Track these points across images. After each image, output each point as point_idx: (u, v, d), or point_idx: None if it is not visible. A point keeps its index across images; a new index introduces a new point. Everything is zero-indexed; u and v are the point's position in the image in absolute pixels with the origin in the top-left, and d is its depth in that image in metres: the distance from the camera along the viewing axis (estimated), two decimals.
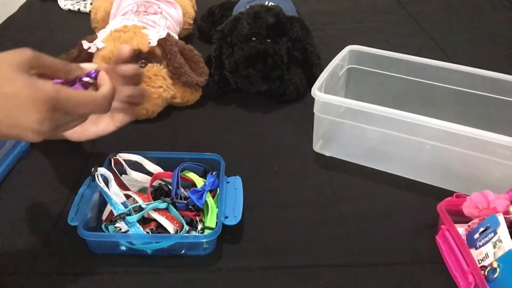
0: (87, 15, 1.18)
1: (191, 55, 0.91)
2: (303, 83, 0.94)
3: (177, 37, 0.96)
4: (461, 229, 0.61)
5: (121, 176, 0.67)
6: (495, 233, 0.56)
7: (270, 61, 0.86)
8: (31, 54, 0.48)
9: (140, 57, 0.85)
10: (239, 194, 0.66)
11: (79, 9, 1.31)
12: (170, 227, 0.62)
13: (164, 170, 0.69)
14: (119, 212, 0.60)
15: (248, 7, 0.93)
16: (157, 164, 0.70)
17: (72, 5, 1.32)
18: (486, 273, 0.55)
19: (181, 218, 0.63)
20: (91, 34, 0.90)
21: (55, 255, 0.62)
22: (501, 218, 0.57)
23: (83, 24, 1.18)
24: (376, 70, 0.85)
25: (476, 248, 0.58)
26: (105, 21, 1.05)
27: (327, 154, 0.80)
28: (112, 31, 0.87)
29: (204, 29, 1.14)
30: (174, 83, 0.88)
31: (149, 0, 1.01)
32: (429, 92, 0.82)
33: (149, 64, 0.85)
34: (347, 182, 0.75)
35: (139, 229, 0.60)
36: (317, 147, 0.81)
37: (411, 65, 0.83)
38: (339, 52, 0.83)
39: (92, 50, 0.85)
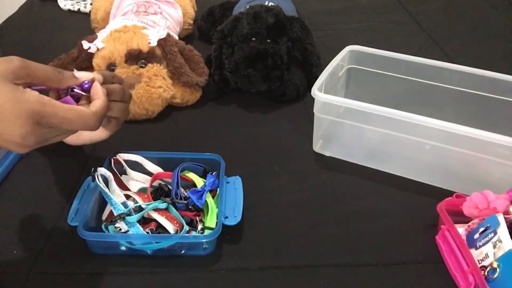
0: (87, 15, 1.18)
1: (191, 55, 0.91)
2: (303, 83, 0.94)
3: (177, 37, 0.96)
4: (461, 229, 0.61)
5: (121, 176, 0.68)
6: (495, 233, 0.56)
7: (270, 61, 0.86)
8: (18, 64, 0.46)
9: (140, 57, 0.85)
10: (239, 194, 0.66)
11: (79, 9, 1.31)
12: (170, 227, 0.62)
13: (164, 170, 0.69)
14: (119, 212, 0.60)
15: (248, 7, 0.93)
16: (157, 164, 0.70)
17: (72, 5, 1.32)
18: (486, 273, 0.55)
19: (181, 218, 0.63)
20: (91, 34, 0.90)
21: (55, 255, 0.61)
22: (501, 218, 0.57)
23: (83, 24, 1.18)
24: (376, 70, 0.85)
25: (476, 248, 0.58)
26: (105, 21, 1.05)
27: (327, 154, 0.80)
28: (112, 31, 0.87)
29: (204, 29, 1.14)
30: (174, 83, 0.88)
31: (149, 0, 1.01)
32: (429, 92, 0.82)
33: (149, 64, 0.85)
34: (347, 182, 0.75)
35: (139, 229, 0.60)
36: (317, 147, 0.81)
37: (411, 65, 0.82)
38: (339, 52, 0.83)
39: (92, 50, 0.85)
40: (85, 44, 0.85)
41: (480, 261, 0.57)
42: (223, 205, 0.63)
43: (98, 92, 0.52)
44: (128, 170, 0.69)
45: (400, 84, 0.83)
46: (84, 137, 0.60)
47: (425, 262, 0.62)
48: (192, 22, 1.15)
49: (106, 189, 0.61)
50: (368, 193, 0.73)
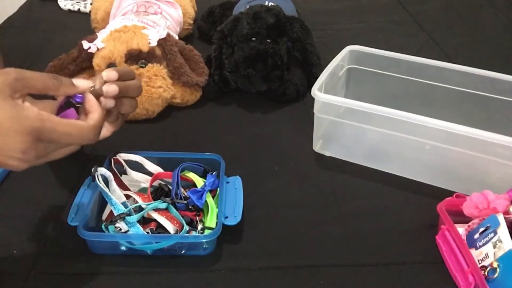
0: (87, 15, 1.18)
1: (191, 55, 0.91)
2: (303, 83, 0.94)
3: (177, 37, 0.96)
4: (461, 229, 0.61)
5: (121, 176, 0.68)
6: (495, 233, 0.56)
7: (270, 61, 0.86)
8: (14, 77, 0.46)
9: (140, 57, 0.85)
10: (239, 194, 0.66)
11: (79, 9, 1.31)
12: (170, 227, 0.62)
13: (164, 170, 0.69)
14: (119, 212, 0.60)
15: (248, 7, 0.93)
16: (157, 164, 0.70)
17: (72, 5, 1.32)
18: (486, 273, 0.55)
19: (181, 218, 0.63)
20: (91, 34, 0.90)
21: (55, 255, 0.61)
22: (501, 218, 0.57)
23: (83, 24, 1.18)
24: (376, 70, 0.85)
25: (476, 248, 0.58)
26: (105, 21, 1.05)
27: (327, 154, 0.80)
28: (112, 31, 0.87)
29: (204, 29, 1.14)
30: (174, 83, 0.88)
31: (149, 0, 1.01)
32: (429, 92, 0.82)
33: (149, 64, 0.85)
34: (347, 182, 0.75)
35: (139, 229, 0.60)
36: (317, 147, 0.81)
37: (411, 65, 0.83)
38: (339, 52, 0.83)
39: (92, 50, 0.85)
40: (85, 44, 0.85)
41: (480, 261, 0.57)
42: (223, 205, 0.63)
43: (94, 105, 0.52)
44: (128, 170, 0.69)
45: (400, 84, 0.83)
46: None
47: (425, 262, 0.62)
48: (192, 22, 1.15)
49: (106, 189, 0.61)
50: (368, 193, 0.73)
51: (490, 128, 0.65)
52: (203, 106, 0.92)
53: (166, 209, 0.64)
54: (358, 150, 0.79)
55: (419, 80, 0.83)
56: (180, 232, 0.62)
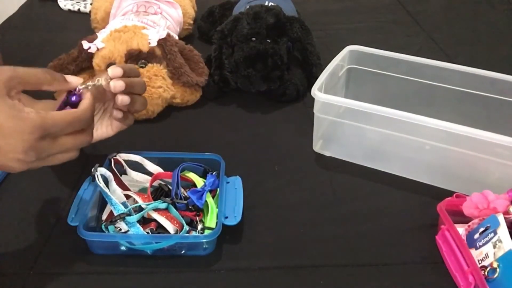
0: (87, 15, 1.18)
1: (191, 55, 0.91)
2: (303, 83, 0.94)
3: (177, 37, 0.96)
4: (461, 229, 0.61)
5: (121, 176, 0.68)
6: (495, 233, 0.56)
7: (270, 61, 0.86)
8: (9, 76, 0.47)
9: (140, 57, 0.85)
10: (239, 194, 0.66)
11: (79, 9, 1.31)
12: (170, 227, 0.62)
13: (164, 170, 0.69)
14: (119, 212, 0.60)
15: (248, 7, 0.93)
16: (157, 164, 0.70)
17: (72, 5, 1.32)
18: (486, 273, 0.55)
19: (181, 218, 0.63)
20: (91, 34, 0.90)
21: (55, 255, 0.61)
22: (501, 218, 0.57)
23: (83, 24, 1.18)
24: (376, 70, 0.85)
25: (476, 248, 0.58)
26: (105, 21, 1.05)
27: (327, 154, 0.80)
28: (112, 31, 0.87)
29: (204, 29, 1.14)
30: (174, 83, 0.88)
31: (149, 0, 1.01)
32: (429, 92, 0.82)
33: (149, 64, 0.85)
34: (347, 182, 0.75)
35: (139, 229, 0.60)
36: (317, 147, 0.81)
37: (411, 65, 0.83)
38: (339, 52, 0.83)
39: (92, 50, 0.85)
40: (85, 44, 0.85)
41: (480, 261, 0.57)
42: (223, 205, 0.63)
43: (85, 93, 0.54)
44: (128, 170, 0.69)
45: (400, 84, 0.83)
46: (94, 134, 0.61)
47: (425, 262, 0.62)
48: (192, 22, 1.15)
49: (106, 189, 0.61)
50: (368, 193, 0.73)
51: (490, 128, 0.65)
52: (203, 106, 0.92)
53: (166, 209, 0.64)
54: (358, 150, 0.79)
55: (419, 80, 0.83)
56: (180, 232, 0.62)
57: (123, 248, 0.61)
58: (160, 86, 0.84)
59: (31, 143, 0.47)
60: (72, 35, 1.03)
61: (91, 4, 1.24)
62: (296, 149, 0.81)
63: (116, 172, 0.67)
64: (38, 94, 0.55)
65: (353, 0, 1.42)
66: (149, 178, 0.68)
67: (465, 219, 0.63)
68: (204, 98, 0.93)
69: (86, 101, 0.54)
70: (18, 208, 0.68)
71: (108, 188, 0.62)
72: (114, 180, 0.63)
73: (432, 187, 0.73)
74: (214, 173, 0.69)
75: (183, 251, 0.62)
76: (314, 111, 0.76)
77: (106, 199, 0.61)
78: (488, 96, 0.79)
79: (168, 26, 0.99)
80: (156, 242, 0.59)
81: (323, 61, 0.95)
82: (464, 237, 0.60)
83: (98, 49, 0.85)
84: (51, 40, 1.16)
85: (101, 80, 0.57)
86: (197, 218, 0.65)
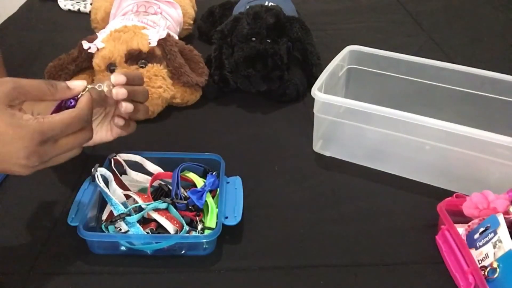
0: (87, 15, 1.18)
1: (191, 55, 0.91)
2: (303, 83, 0.94)
3: (177, 37, 0.96)
4: (461, 229, 0.61)
5: (121, 176, 0.68)
6: (495, 233, 0.56)
7: (270, 61, 0.86)
8: (11, 87, 0.48)
9: (140, 57, 0.85)
10: (239, 194, 0.66)
11: (79, 9, 1.31)
12: (170, 227, 0.62)
13: (164, 170, 0.69)
14: (119, 212, 0.60)
15: (248, 7, 0.93)
16: (157, 164, 0.70)
17: (72, 5, 1.32)
18: (486, 273, 0.55)
19: (181, 218, 0.63)
20: (91, 34, 0.90)
21: (55, 255, 0.61)
22: (501, 218, 0.57)
23: (83, 24, 1.18)
24: (376, 70, 0.85)
25: (476, 248, 0.58)
26: (105, 21, 1.05)
27: (327, 154, 0.80)
28: (112, 31, 0.87)
29: (204, 29, 1.14)
30: (174, 83, 0.88)
31: (149, 0, 1.01)
32: (429, 92, 0.82)
33: (149, 64, 0.85)
34: (347, 182, 0.75)
35: (139, 229, 0.60)
36: (317, 147, 0.81)
37: (411, 65, 0.83)
38: (339, 52, 0.83)
39: (92, 50, 0.85)
40: (85, 44, 0.85)
41: (480, 261, 0.57)
42: (223, 205, 0.63)
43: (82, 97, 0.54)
44: (128, 170, 0.69)
45: (400, 84, 0.83)
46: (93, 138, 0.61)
47: (425, 262, 0.62)
48: (192, 22, 1.15)
49: (106, 189, 0.61)
50: (368, 193, 0.73)
51: (490, 128, 0.65)
52: (203, 106, 0.92)
53: (166, 209, 0.64)
54: (358, 150, 0.79)
55: (419, 80, 0.83)
56: (180, 232, 0.62)
57: (123, 248, 0.61)
58: (160, 86, 0.84)
59: (32, 148, 0.48)
60: (72, 35, 1.04)
61: (91, 4, 1.24)
62: (296, 149, 0.81)
63: (116, 172, 0.67)
64: None
65: (353, 0, 1.42)
66: (149, 178, 0.68)
67: (465, 219, 0.63)
68: (204, 98, 0.93)
69: (84, 99, 0.53)
70: (18, 208, 0.68)
71: (108, 188, 0.62)
72: (114, 180, 0.63)
73: (432, 187, 0.73)
74: (214, 173, 0.69)
75: (183, 251, 0.62)
76: (314, 111, 0.76)
77: (106, 199, 0.61)
78: (488, 96, 0.79)
79: (168, 26, 0.99)
80: (156, 242, 0.59)
81: (323, 61, 0.95)
82: (464, 237, 0.60)
83: (98, 49, 0.85)
84: (51, 40, 1.16)
85: (103, 86, 0.57)
86: (197, 218, 0.65)
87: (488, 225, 0.58)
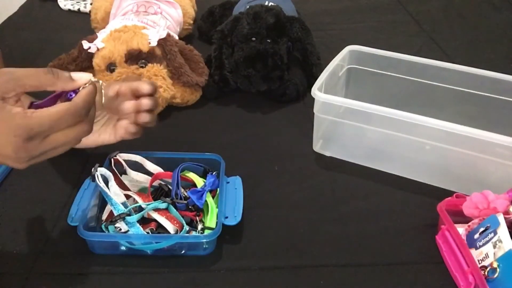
0: (87, 15, 1.18)
1: (191, 55, 0.91)
2: (303, 83, 0.94)
3: (177, 37, 0.96)
4: (461, 229, 0.61)
5: (121, 176, 0.68)
6: (495, 233, 0.56)
7: (270, 61, 0.86)
8: (5, 78, 0.46)
9: (140, 57, 0.85)
10: (239, 194, 0.66)
11: (79, 9, 1.31)
12: (170, 227, 0.62)
13: (164, 170, 0.69)
14: (119, 212, 0.60)
15: (248, 7, 0.93)
16: (157, 164, 0.70)
17: (72, 5, 1.32)
18: (486, 273, 0.55)
19: (181, 218, 0.63)
20: (91, 34, 0.90)
21: (55, 255, 0.61)
22: (501, 218, 0.57)
23: (83, 24, 1.18)
24: (376, 70, 0.85)
25: (476, 248, 0.58)
26: (105, 21, 1.05)
27: (327, 154, 0.80)
28: (112, 31, 0.87)
29: (204, 29, 1.14)
30: (174, 83, 0.88)
31: (149, 0, 1.01)
32: (429, 92, 0.82)
33: (149, 64, 0.85)
34: (347, 182, 0.75)
35: (139, 229, 0.60)
36: (317, 147, 0.81)
37: (411, 65, 0.83)
38: (339, 52, 0.83)
39: (92, 50, 0.85)
40: (85, 44, 0.85)
41: (480, 261, 0.57)
42: (223, 205, 0.63)
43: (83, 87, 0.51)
44: (128, 170, 0.69)
45: (400, 84, 0.83)
46: (89, 141, 0.62)
47: (425, 262, 0.62)
48: (192, 22, 1.15)
49: (106, 189, 0.61)
50: (368, 193, 0.73)
51: (490, 128, 0.65)
52: (203, 106, 0.92)
53: (166, 209, 0.64)
54: (358, 150, 0.79)
55: (419, 80, 0.83)
56: (180, 232, 0.62)
57: (123, 248, 0.61)
58: (160, 86, 0.84)
59: (18, 144, 0.46)
60: (72, 35, 1.04)
61: (91, 4, 1.24)
62: (296, 149, 0.81)
63: (116, 172, 0.67)
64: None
65: (353, 0, 1.42)
66: (149, 178, 0.68)
67: (465, 219, 0.63)
68: (204, 98, 0.93)
69: (83, 92, 0.50)
70: (18, 208, 0.68)
71: (108, 188, 0.62)
72: (114, 180, 0.63)
73: (432, 187, 0.73)
74: (214, 173, 0.69)
75: (183, 251, 0.62)
76: (314, 111, 0.76)
77: (106, 199, 0.61)
78: (488, 96, 0.79)
79: (168, 26, 0.99)
80: (156, 242, 0.59)
81: (323, 61, 0.95)
82: (464, 237, 0.60)
83: (98, 49, 0.85)
84: (51, 40, 1.16)
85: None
86: (197, 218, 0.65)
87: (488, 225, 0.58)
